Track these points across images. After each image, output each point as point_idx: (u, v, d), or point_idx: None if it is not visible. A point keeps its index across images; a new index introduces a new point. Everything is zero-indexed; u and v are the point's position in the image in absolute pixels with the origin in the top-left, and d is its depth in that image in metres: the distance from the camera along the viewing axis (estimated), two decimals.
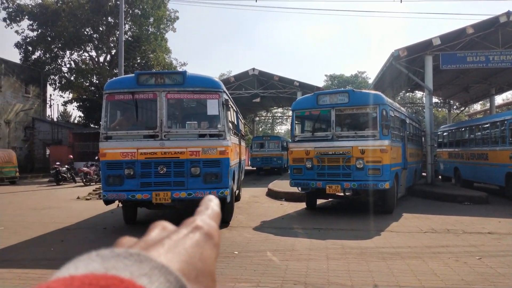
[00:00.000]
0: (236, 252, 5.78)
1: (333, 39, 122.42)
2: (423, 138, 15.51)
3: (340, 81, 51.66)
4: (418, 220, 8.21)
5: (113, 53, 29.94)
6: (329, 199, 10.69)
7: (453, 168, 15.40)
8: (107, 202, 7.36)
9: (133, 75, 7.46)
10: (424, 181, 14.34)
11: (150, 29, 29.47)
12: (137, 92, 7.30)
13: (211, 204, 0.41)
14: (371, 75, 60.67)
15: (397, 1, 47.42)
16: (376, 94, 9.10)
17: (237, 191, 10.00)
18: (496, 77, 19.57)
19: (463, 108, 30.07)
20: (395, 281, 4.47)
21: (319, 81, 76.35)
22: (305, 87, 20.67)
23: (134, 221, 8.04)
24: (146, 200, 7.12)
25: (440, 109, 36.08)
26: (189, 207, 7.77)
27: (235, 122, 10.10)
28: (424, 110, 16.88)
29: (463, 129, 15.08)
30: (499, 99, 41.91)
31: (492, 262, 5.15)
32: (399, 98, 30.16)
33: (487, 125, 12.83)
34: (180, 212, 8.26)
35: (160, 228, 0.36)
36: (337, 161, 8.74)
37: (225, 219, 7.82)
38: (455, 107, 28.96)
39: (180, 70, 13.79)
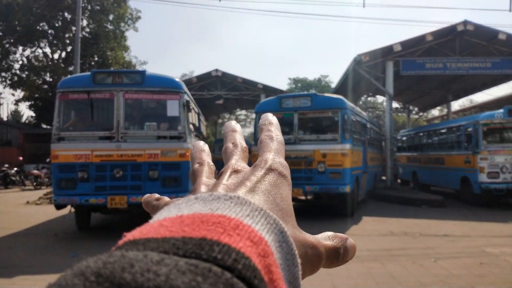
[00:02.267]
0: None
1: (298, 42, 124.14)
2: (383, 143, 15.85)
3: (304, 84, 52.25)
4: (378, 223, 8.32)
5: (68, 50, 28.72)
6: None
7: (412, 172, 15.83)
8: (59, 206, 6.98)
9: (89, 73, 7.15)
10: (383, 185, 14.64)
11: (109, 27, 28.59)
12: (93, 91, 6.99)
13: (273, 131, 0.39)
14: (334, 79, 61.85)
15: (360, 6, 48.56)
16: (338, 98, 9.18)
17: None
18: (453, 84, 20.33)
19: (422, 114, 31.10)
20: (354, 284, 4.49)
21: (283, 84, 77.13)
22: (268, 90, 20.69)
23: (87, 227, 7.69)
24: (100, 204, 6.80)
25: (400, 114, 37.16)
26: (147, 212, 7.52)
27: (197, 124, 9.90)
28: (385, 115, 17.29)
29: (421, 134, 15.53)
30: (455, 105, 43.62)
31: (447, 264, 5.25)
32: (361, 102, 30.81)
33: (444, 131, 13.27)
34: (137, 218, 7.98)
35: (232, 171, 0.35)
36: (299, 164, 8.73)
37: None
38: (414, 112, 29.91)
39: (140, 69, 13.42)
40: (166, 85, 7.21)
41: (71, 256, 5.49)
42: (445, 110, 26.20)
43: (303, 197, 9.17)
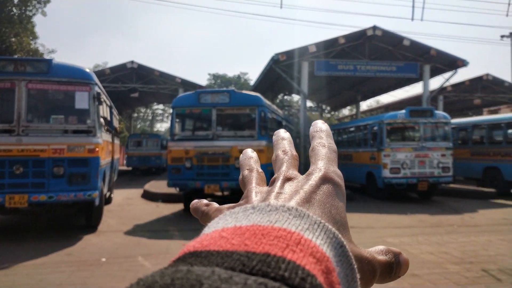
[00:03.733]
0: (104, 259, 5.34)
1: (218, 38, 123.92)
2: (297, 140, 16.45)
3: (223, 80, 52.36)
4: None
5: None
6: (208, 199, 10.61)
7: None
8: None
9: None
10: None
11: (14, 10, 26.09)
12: None
13: (325, 138, 0.38)
14: (254, 77, 62.82)
15: (277, 6, 49.76)
16: (255, 96, 9.31)
17: (108, 193, 9.34)
18: (362, 85, 21.72)
19: (333, 113, 32.82)
20: None
21: (203, 80, 76.59)
22: (187, 85, 20.38)
23: None
24: None
25: (314, 113, 38.87)
26: (51, 212, 7.00)
27: (109, 118, 9.42)
28: (300, 113, 17.95)
29: (332, 132, 16.30)
30: (364, 105, 46.67)
31: None
32: (278, 100, 31.66)
33: (353, 129, 14.13)
34: (40, 217, 7.40)
35: (284, 178, 0.34)
36: (217, 160, 8.71)
37: (92, 223, 7.24)
38: (326, 111, 31.46)
39: (47, 58, 12.42)
40: (75, 76, 6.74)
41: None
42: (355, 110, 27.90)
43: (219, 193, 9.17)
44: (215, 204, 0.39)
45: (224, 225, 0.25)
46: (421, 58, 16.10)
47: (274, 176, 0.35)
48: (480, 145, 13.74)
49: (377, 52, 16.40)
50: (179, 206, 9.98)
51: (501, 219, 8.58)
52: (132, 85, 21.08)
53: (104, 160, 7.81)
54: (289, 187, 0.33)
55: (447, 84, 17.98)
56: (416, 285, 4.30)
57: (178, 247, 5.96)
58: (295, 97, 37.39)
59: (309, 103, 29.39)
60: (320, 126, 0.40)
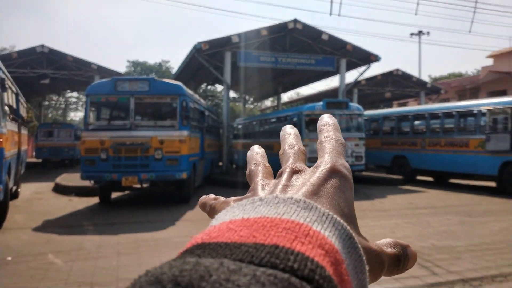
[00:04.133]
0: (10, 258, 4.94)
1: (139, 24, 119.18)
2: (221, 130, 16.44)
3: (144, 68, 50.52)
4: None
5: None
6: (125, 192, 10.23)
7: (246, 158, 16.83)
8: None
9: None
10: (220, 170, 15.21)
11: None
12: None
13: (332, 131, 0.37)
14: (176, 65, 61.48)
15: None
16: (177, 84, 9.09)
17: (14, 187, 8.59)
18: (284, 77, 22.23)
19: (256, 104, 33.27)
20: None
21: (121, 67, 73.33)
22: (104, 72, 19.31)
23: None
24: None
25: (237, 103, 39.08)
26: None
27: (14, 106, 8.64)
28: (223, 104, 17.91)
29: (255, 122, 16.60)
30: (285, 97, 47.86)
31: None
32: (201, 90, 31.32)
33: (274, 120, 14.44)
34: None
35: (291, 171, 0.34)
36: (135, 151, 8.39)
37: None
38: (250, 102, 31.81)
39: None
40: None
41: None
42: (276, 101, 28.53)
43: (138, 185, 8.87)
44: (222, 198, 0.39)
45: (232, 217, 0.25)
46: (338, 52, 16.83)
47: (281, 169, 0.35)
48: (389, 135, 14.80)
49: (297, 45, 16.84)
50: (94, 200, 9.49)
51: (407, 203, 9.32)
52: (43, 71, 19.49)
53: (9, 151, 7.14)
54: (296, 179, 0.33)
55: (362, 78, 19.05)
56: None
57: (92, 242, 5.66)
58: (219, 87, 37.32)
59: (232, 94, 29.49)
60: (327, 120, 0.39)
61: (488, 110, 10.93)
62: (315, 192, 0.30)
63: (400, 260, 0.34)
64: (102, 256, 5.07)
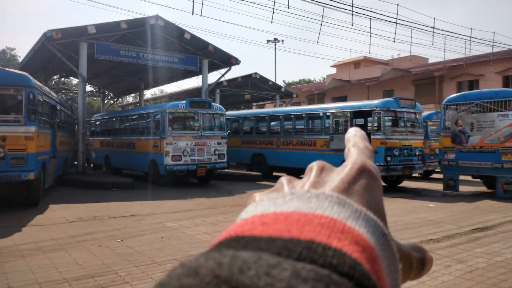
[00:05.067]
0: None
1: None
2: (76, 126, 15.26)
3: None
4: (66, 210, 7.98)
5: None
6: None
7: (104, 156, 15.94)
8: None
9: None
10: (75, 170, 14.13)
11: None
12: None
13: (359, 140, 0.36)
14: (23, 54, 54.96)
15: None
16: (22, 74, 8.20)
17: None
18: (146, 73, 21.59)
19: (116, 99, 31.64)
20: (33, 278, 4.15)
21: None
22: None
23: None
24: None
25: (95, 98, 36.60)
26: None
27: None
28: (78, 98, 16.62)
29: (114, 119, 15.82)
30: (149, 94, 46.55)
31: (132, 242, 5.60)
32: (53, 82, 28.53)
33: (136, 117, 13.99)
34: None
35: (319, 169, 0.33)
36: None
37: None
38: (109, 97, 30.09)
39: None
40: None
41: None
42: (139, 98, 27.60)
43: None
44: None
45: (263, 211, 0.25)
46: (200, 53, 17.07)
47: (310, 164, 0.35)
48: (249, 134, 15.65)
49: (160, 42, 16.58)
50: None
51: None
52: None
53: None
54: (325, 176, 0.32)
55: (223, 79, 19.64)
56: None
57: None
58: (75, 81, 34.45)
59: (90, 88, 27.57)
60: (355, 132, 0.39)
61: (332, 113, 12.36)
62: (346, 189, 0.29)
63: (424, 264, 0.34)
64: None
